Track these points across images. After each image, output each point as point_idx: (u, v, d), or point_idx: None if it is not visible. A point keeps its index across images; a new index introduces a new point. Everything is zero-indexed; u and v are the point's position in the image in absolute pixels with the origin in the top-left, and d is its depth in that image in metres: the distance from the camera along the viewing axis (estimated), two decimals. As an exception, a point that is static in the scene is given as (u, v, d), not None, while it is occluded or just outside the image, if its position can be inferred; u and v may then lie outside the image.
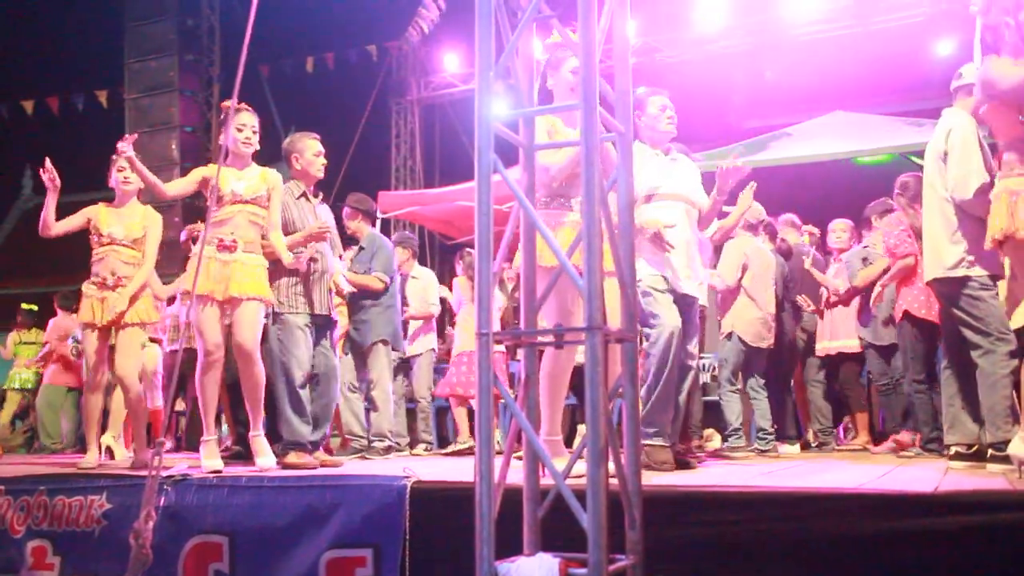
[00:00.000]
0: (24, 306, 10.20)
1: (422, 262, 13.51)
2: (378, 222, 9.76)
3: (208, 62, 13.40)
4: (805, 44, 11.37)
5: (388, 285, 6.35)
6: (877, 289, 6.13)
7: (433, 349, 7.51)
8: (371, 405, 6.38)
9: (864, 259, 6.44)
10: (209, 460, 4.42)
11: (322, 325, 4.97)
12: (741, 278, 6.40)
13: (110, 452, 6.76)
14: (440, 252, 13.07)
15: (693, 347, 4.75)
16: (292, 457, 4.67)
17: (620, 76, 2.83)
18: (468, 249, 8.10)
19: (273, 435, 5.82)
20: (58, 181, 5.06)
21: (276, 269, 4.81)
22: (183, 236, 6.66)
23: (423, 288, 7.44)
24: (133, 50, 13.07)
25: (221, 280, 4.50)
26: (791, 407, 6.93)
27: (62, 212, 5.26)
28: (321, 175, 5.07)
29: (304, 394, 4.81)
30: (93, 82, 13.84)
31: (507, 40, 2.65)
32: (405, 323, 7.14)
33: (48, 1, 14.43)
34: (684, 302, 4.46)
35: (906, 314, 5.52)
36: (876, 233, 6.33)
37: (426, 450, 7.22)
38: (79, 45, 14.42)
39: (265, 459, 4.51)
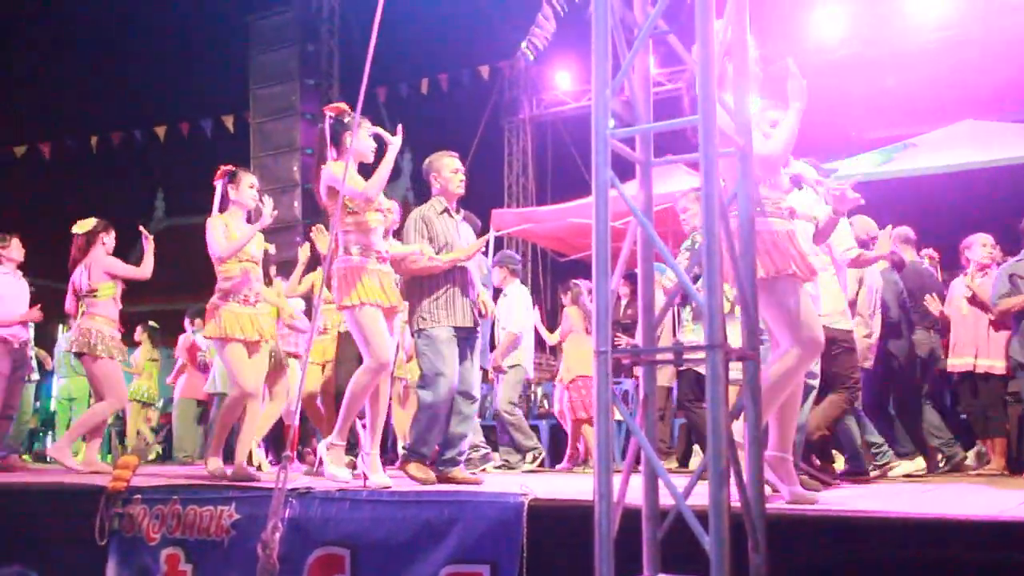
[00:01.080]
0: (151, 324, 10.69)
1: (535, 279, 13.69)
2: (491, 239, 9.86)
3: (327, 86, 13.84)
4: (929, 50, 10.95)
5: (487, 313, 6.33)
6: None
7: (518, 365, 7.48)
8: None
9: (1011, 276, 6.05)
10: (377, 476, 4.39)
11: (465, 338, 4.92)
12: (858, 291, 6.14)
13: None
14: (553, 269, 13.11)
15: (815, 366, 4.61)
16: (413, 468, 4.65)
17: (739, 90, 2.79)
18: (575, 281, 8.19)
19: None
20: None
21: (416, 283, 4.87)
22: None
23: (508, 305, 7.48)
24: (257, 77, 13.62)
25: (386, 291, 4.57)
26: (900, 425, 6.52)
27: (190, 232, 5.40)
28: (461, 191, 5.06)
29: (444, 410, 4.77)
30: (220, 108, 14.47)
31: (623, 57, 2.64)
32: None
33: (179, 33, 15.20)
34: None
35: None
36: None
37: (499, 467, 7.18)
38: (208, 73, 15.11)
39: (380, 478, 4.38)
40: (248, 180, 5.39)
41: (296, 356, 7.21)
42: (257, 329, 5.29)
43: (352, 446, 5.71)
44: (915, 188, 8.40)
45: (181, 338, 9.61)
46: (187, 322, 9.73)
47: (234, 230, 5.26)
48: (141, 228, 6.42)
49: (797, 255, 3.53)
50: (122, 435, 11.83)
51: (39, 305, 6.94)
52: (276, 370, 6.89)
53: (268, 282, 6.88)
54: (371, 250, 4.59)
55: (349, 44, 13.72)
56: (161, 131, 14.45)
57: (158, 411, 11.29)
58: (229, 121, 14.19)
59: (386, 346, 4.54)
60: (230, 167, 5.39)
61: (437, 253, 4.89)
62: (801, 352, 3.48)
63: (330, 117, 4.67)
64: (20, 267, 7.01)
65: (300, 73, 13.36)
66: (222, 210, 5.32)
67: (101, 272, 6.25)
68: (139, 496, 4.47)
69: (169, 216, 22.08)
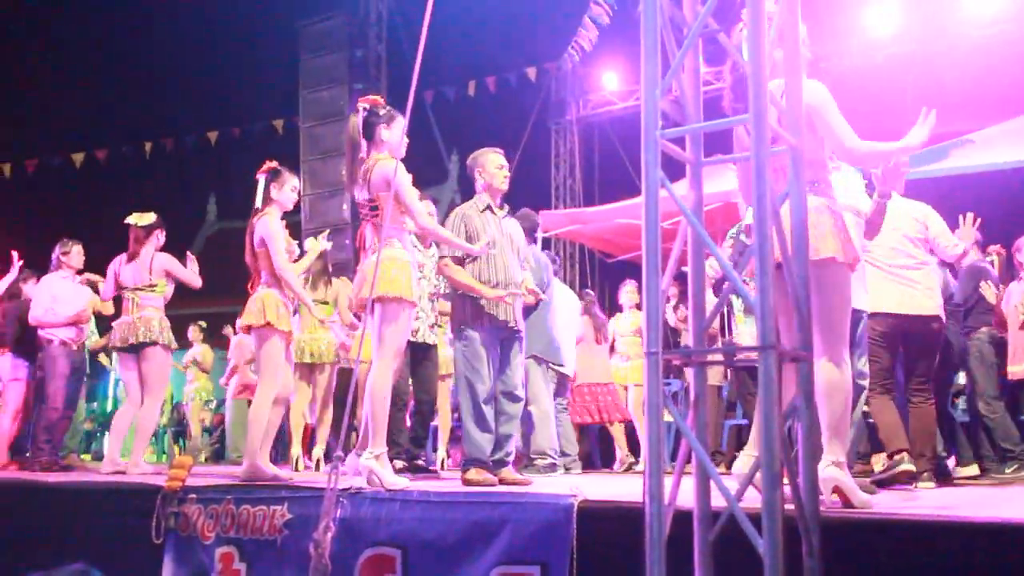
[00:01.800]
0: (201, 324, 10.84)
1: (582, 280, 13.66)
2: (539, 239, 9.86)
3: (376, 90, 13.94)
4: (985, 45, 10.73)
5: (538, 299, 6.21)
6: None
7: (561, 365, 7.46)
8: (529, 422, 6.38)
9: None
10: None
11: (507, 338, 4.89)
12: None
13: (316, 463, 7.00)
14: (601, 270, 13.07)
15: (863, 364, 4.53)
16: (472, 473, 4.64)
17: (791, 88, 2.76)
18: (587, 290, 8.16)
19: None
20: None
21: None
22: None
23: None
24: (307, 81, 13.78)
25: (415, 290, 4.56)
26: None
27: (241, 235, 5.44)
28: (505, 187, 5.04)
29: (488, 410, 4.76)
30: (270, 112, 14.70)
31: (671, 56, 2.63)
32: None
33: (230, 39, 15.47)
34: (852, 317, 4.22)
35: None
36: None
37: None
38: (258, 79, 15.37)
39: (391, 479, 4.27)
40: (292, 182, 5.42)
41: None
42: (286, 324, 5.25)
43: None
44: (971, 185, 8.22)
45: (234, 339, 9.75)
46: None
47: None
48: (188, 252, 6.48)
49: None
50: (177, 435, 12.06)
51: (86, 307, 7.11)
52: (316, 369, 6.97)
53: (328, 280, 6.98)
54: (410, 247, 4.58)
55: (397, 49, 13.82)
56: (213, 136, 14.69)
57: (211, 412, 11.50)
58: (279, 125, 14.38)
59: (403, 344, 4.53)
60: (274, 164, 5.40)
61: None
62: (839, 356, 3.41)
63: (364, 109, 4.59)
64: (78, 272, 7.17)
65: (349, 78, 13.49)
66: (264, 206, 5.31)
67: (162, 268, 6.27)
68: (194, 496, 4.54)
69: (221, 219, 22.45)
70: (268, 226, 5.22)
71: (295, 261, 5.54)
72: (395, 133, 4.53)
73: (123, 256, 6.34)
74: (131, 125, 16.01)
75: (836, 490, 3.31)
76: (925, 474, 4.92)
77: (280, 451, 8.23)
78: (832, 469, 3.32)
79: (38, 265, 7.46)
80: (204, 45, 16.32)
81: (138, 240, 6.30)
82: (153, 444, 11.82)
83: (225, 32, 15.45)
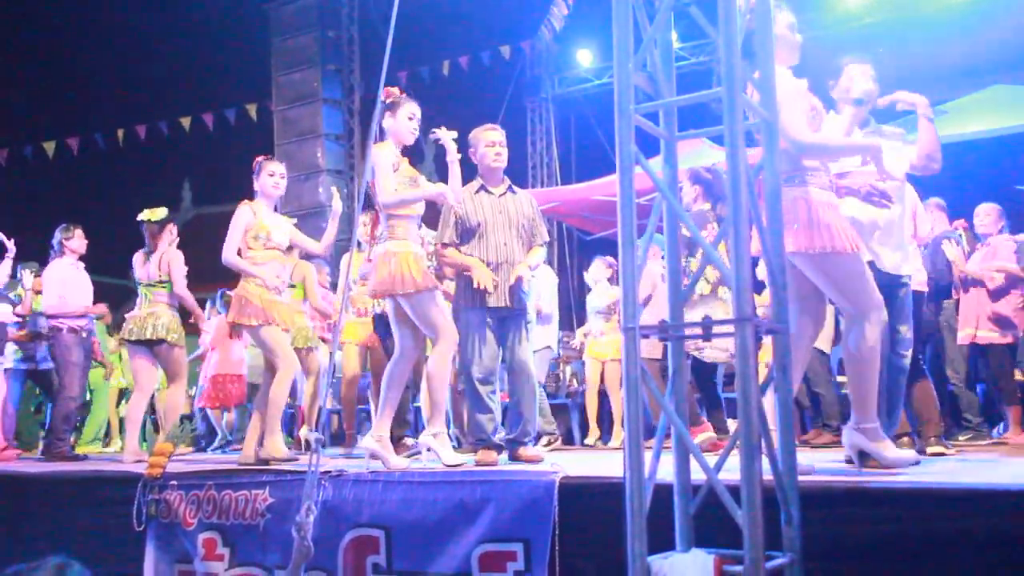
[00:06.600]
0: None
1: (561, 258, 13.66)
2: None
3: (349, 71, 13.85)
4: (957, 14, 10.77)
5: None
6: None
7: (547, 347, 7.43)
8: None
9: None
10: (447, 454, 4.36)
11: (506, 318, 4.80)
12: None
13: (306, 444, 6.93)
14: (579, 247, 13.08)
15: (906, 332, 4.32)
16: (478, 455, 4.60)
17: (763, 61, 2.76)
18: None
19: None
20: None
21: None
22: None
23: (537, 286, 7.39)
24: (279, 64, 13.65)
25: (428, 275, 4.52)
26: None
27: (217, 221, 5.41)
28: (496, 164, 4.94)
29: (485, 390, 4.71)
30: (243, 97, 14.51)
31: (644, 32, 2.62)
32: None
33: (199, 23, 15.24)
34: (889, 283, 4.09)
35: None
36: None
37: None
38: (230, 63, 15.14)
39: (450, 456, 4.35)
40: (268, 169, 5.35)
41: (325, 340, 7.24)
42: (281, 316, 5.27)
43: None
44: (943, 155, 8.26)
45: (217, 320, 9.70)
46: (219, 304, 9.80)
47: (261, 218, 5.26)
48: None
49: (843, 226, 3.45)
50: (157, 424, 11.96)
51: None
52: (305, 351, 6.94)
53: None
54: (409, 234, 4.53)
55: (369, 29, 13.69)
56: (186, 122, 14.52)
57: (189, 398, 11.41)
58: (252, 109, 14.23)
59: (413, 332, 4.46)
60: (261, 157, 5.41)
61: (472, 235, 4.79)
62: (868, 322, 3.45)
63: (381, 100, 4.56)
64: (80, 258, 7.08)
65: (321, 59, 13.37)
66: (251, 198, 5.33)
67: (168, 265, 6.28)
68: (175, 482, 4.53)
69: (196, 205, 22.24)
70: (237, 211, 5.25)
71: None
72: (399, 120, 4.59)
73: (142, 251, 6.36)
74: (103, 113, 15.76)
75: (861, 454, 3.53)
76: (932, 439, 4.83)
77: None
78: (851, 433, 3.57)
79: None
80: (173, 31, 16.08)
81: (153, 235, 6.32)
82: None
83: (194, 16, 15.22)
